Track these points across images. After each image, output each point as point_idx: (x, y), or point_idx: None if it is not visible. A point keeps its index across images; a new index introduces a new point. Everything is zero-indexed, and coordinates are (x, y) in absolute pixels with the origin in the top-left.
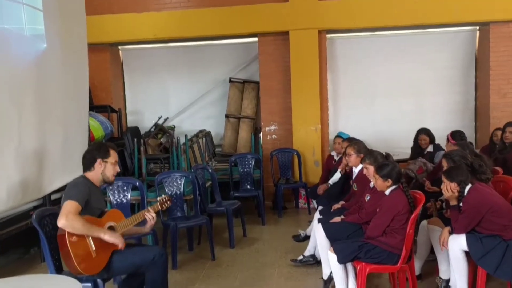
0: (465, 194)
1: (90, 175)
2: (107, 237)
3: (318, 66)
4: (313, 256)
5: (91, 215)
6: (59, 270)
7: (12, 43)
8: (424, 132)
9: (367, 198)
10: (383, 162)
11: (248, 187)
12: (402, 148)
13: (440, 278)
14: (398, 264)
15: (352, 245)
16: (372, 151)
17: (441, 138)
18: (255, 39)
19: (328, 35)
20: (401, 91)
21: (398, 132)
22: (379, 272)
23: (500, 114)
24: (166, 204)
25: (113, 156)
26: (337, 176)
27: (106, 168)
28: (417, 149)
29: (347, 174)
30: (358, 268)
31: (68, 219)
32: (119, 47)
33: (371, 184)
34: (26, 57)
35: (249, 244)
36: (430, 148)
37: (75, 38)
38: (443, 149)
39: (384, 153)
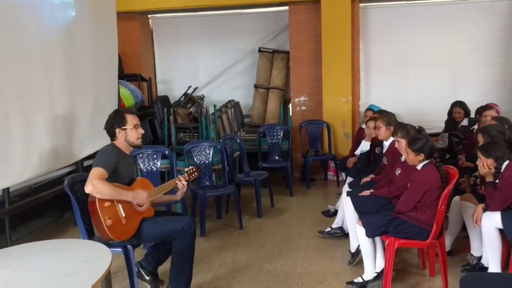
0: (502, 170)
1: (117, 143)
2: (134, 198)
3: (350, 35)
4: (340, 228)
5: (120, 183)
6: (90, 234)
7: (42, 11)
8: (458, 105)
9: (398, 172)
10: (415, 136)
11: (276, 158)
12: (435, 121)
13: (472, 255)
14: (428, 240)
15: (381, 219)
16: (405, 124)
17: None
18: (286, 7)
19: (361, 4)
20: (436, 63)
21: (431, 105)
22: (408, 247)
23: None
24: (193, 175)
25: (131, 121)
26: (366, 147)
27: (127, 134)
28: (451, 123)
29: (372, 144)
30: (386, 242)
31: (94, 185)
32: (149, 16)
33: (403, 158)
34: (55, 25)
35: (277, 215)
36: (464, 122)
37: (104, 6)
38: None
39: (417, 127)
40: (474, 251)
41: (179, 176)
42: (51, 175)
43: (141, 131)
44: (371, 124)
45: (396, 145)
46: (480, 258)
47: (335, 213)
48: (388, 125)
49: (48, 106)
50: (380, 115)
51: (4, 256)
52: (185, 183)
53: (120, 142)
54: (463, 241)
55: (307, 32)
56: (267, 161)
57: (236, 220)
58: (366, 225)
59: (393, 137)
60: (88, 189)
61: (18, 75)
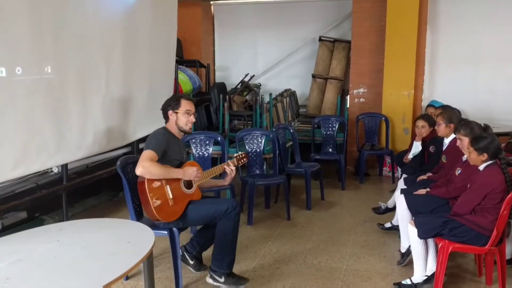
0: None
1: (169, 126)
2: (184, 175)
3: (416, 26)
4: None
5: (169, 165)
6: (139, 215)
7: None
8: None
9: (458, 172)
10: (480, 134)
11: (330, 150)
12: (506, 120)
13: None
14: (486, 246)
15: (436, 220)
16: (469, 121)
17: None
18: None
19: None
20: (510, 57)
21: (502, 102)
22: (463, 251)
23: None
24: (242, 160)
25: (184, 106)
26: (418, 148)
27: (178, 118)
28: None
29: (424, 143)
30: (440, 245)
31: (144, 166)
32: (211, 2)
33: (464, 157)
34: (115, 7)
35: (326, 208)
36: None
37: None
38: None
39: (482, 124)
40: None
41: (228, 161)
42: (107, 155)
43: (193, 119)
44: (420, 123)
45: (458, 143)
46: None
47: (386, 210)
48: (449, 122)
49: (105, 87)
50: (442, 110)
51: (56, 230)
52: (234, 168)
53: (171, 125)
54: None
55: (371, 21)
56: (319, 153)
57: (284, 211)
58: (419, 225)
59: (455, 134)
60: (138, 170)
61: (78, 56)
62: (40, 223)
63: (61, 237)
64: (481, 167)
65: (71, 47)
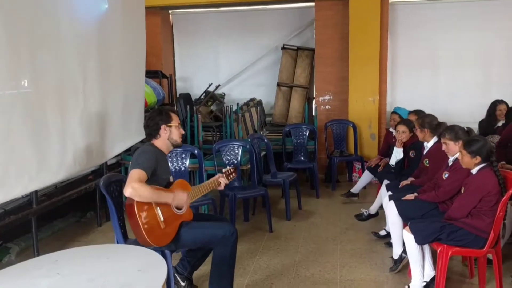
0: None
1: (158, 143)
2: (174, 200)
3: (379, 33)
4: None
5: (158, 185)
6: (124, 237)
7: (77, 2)
8: (504, 102)
9: (445, 176)
10: (472, 137)
11: (302, 158)
12: (465, 123)
13: None
14: (484, 249)
15: (433, 226)
16: (453, 125)
17: None
18: (312, 3)
19: (390, 0)
20: (467, 62)
21: (461, 106)
22: (461, 255)
23: None
24: (231, 176)
25: (175, 119)
26: (399, 155)
27: (172, 132)
28: (489, 123)
29: (404, 149)
30: (439, 250)
31: (134, 188)
32: (170, 11)
33: (450, 161)
34: (88, 16)
35: (306, 217)
36: (500, 123)
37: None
38: None
39: (465, 128)
40: None
41: (218, 175)
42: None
43: (183, 131)
44: (401, 128)
45: (444, 147)
46: None
47: (369, 216)
48: (422, 127)
49: (82, 102)
50: (417, 115)
51: (51, 262)
52: (227, 181)
53: (162, 140)
54: (510, 248)
55: (333, 29)
56: (292, 162)
57: (264, 222)
58: (415, 231)
59: (441, 138)
60: (127, 191)
61: (54, 69)
62: (6, 251)
63: (61, 269)
64: (474, 170)
65: (46, 59)
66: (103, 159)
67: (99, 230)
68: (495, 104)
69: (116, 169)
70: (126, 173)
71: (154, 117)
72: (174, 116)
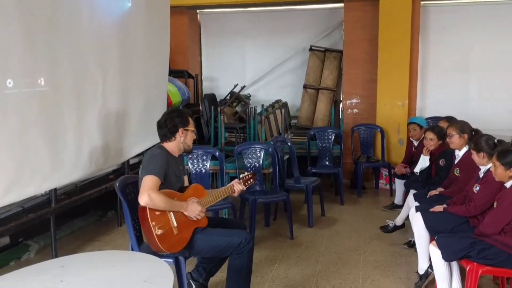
0: None
1: (170, 145)
2: (189, 212)
3: (409, 35)
4: None
5: (170, 188)
6: (139, 240)
7: (97, 1)
8: None
9: (476, 189)
10: (507, 148)
11: (327, 163)
12: (498, 130)
13: None
14: None
15: (462, 242)
16: (483, 134)
17: None
18: (341, 4)
19: (422, 2)
20: (501, 66)
21: (494, 112)
22: (492, 274)
23: None
24: (249, 181)
25: (192, 124)
26: (425, 163)
27: (187, 136)
28: None
29: (431, 157)
30: (468, 268)
31: (150, 197)
32: (198, 11)
33: (481, 173)
34: (111, 15)
35: (329, 225)
36: None
37: None
38: None
39: (496, 140)
40: None
41: (235, 181)
42: (96, 173)
43: (195, 136)
44: (429, 135)
45: (474, 157)
46: None
47: (394, 228)
48: (462, 133)
49: (100, 101)
50: (449, 122)
51: (57, 268)
52: (244, 187)
53: (175, 143)
54: None
55: (362, 31)
56: (316, 166)
57: (285, 228)
58: (442, 247)
59: (471, 150)
60: (143, 200)
61: (73, 67)
62: (25, 249)
63: (65, 276)
64: (508, 184)
65: (65, 57)
66: (121, 159)
67: (119, 230)
68: None
69: (138, 169)
70: None
71: (173, 119)
72: (191, 120)
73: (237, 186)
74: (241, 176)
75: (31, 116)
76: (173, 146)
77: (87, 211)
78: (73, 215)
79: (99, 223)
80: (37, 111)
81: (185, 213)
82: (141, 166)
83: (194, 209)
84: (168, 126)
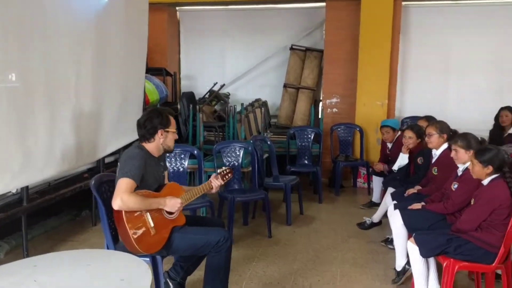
0: None
1: (149, 146)
2: (166, 205)
3: (390, 35)
4: None
5: (147, 189)
6: (115, 239)
7: None
8: (507, 108)
9: (454, 186)
10: (485, 146)
11: (306, 162)
12: (475, 130)
13: None
14: (493, 264)
15: (439, 238)
16: (467, 133)
17: None
18: (322, 4)
19: (404, 3)
20: (480, 67)
21: (472, 112)
22: (469, 270)
23: None
24: (227, 176)
25: (173, 124)
26: (404, 160)
27: (168, 137)
28: (497, 131)
29: (410, 155)
30: (445, 264)
31: (122, 200)
32: (177, 8)
33: (459, 171)
34: (87, 9)
35: (307, 223)
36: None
37: None
38: None
39: (479, 138)
40: None
41: (212, 177)
42: (70, 172)
43: (176, 136)
44: (408, 133)
45: (453, 154)
46: None
47: (371, 225)
48: (442, 133)
49: (74, 99)
50: (428, 121)
51: (30, 267)
52: (222, 182)
53: (154, 144)
54: None
55: (344, 31)
56: (295, 165)
57: (263, 227)
58: (420, 243)
59: (451, 144)
60: (116, 204)
61: (46, 64)
62: None
63: (38, 276)
64: (486, 181)
65: (37, 53)
66: (95, 157)
67: (93, 230)
68: (500, 111)
69: (114, 167)
70: None
71: (153, 119)
72: (172, 120)
73: (215, 182)
74: (218, 171)
75: (0, 111)
76: (152, 147)
77: (61, 210)
78: (46, 215)
79: (73, 223)
80: (6, 108)
81: (166, 208)
82: (118, 165)
83: (173, 203)
84: (147, 127)
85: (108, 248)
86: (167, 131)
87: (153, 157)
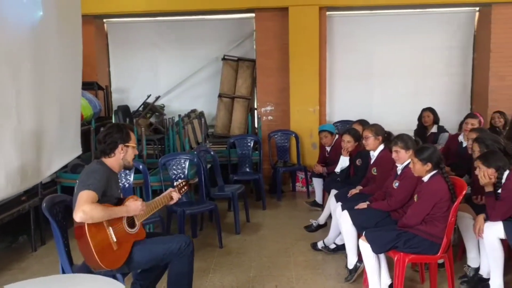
0: (503, 180)
1: (109, 161)
2: (129, 211)
3: (318, 44)
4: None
5: (108, 203)
6: (70, 262)
7: (8, 8)
8: (428, 109)
9: (396, 184)
10: (422, 145)
11: (247, 170)
12: (399, 131)
13: (469, 266)
14: (438, 254)
15: (389, 234)
16: (402, 135)
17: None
18: (251, 14)
19: (328, 12)
20: (400, 72)
21: (395, 115)
22: (418, 262)
23: (499, 97)
24: (183, 189)
25: (133, 139)
26: (345, 163)
27: (128, 153)
28: (420, 130)
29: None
30: (395, 258)
31: (85, 211)
32: (104, 20)
33: (398, 170)
34: (22, 24)
35: (255, 230)
36: (434, 129)
37: (70, 7)
38: (447, 131)
39: (414, 138)
40: (471, 262)
41: (170, 190)
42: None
43: (137, 151)
44: (346, 138)
45: (394, 155)
46: (477, 269)
47: (318, 227)
48: (377, 135)
49: (15, 117)
50: (363, 125)
51: None
52: (179, 195)
53: (115, 160)
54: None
55: (274, 40)
56: (238, 174)
57: (213, 238)
58: (371, 241)
59: (393, 146)
60: (78, 216)
61: None
62: None
63: None
64: (426, 178)
65: None
66: (39, 178)
67: (34, 256)
68: (422, 111)
69: (52, 188)
70: (63, 192)
71: (113, 134)
72: (133, 135)
73: (175, 194)
74: (175, 184)
75: None
76: (113, 162)
77: None
78: None
79: (10, 249)
80: None
81: (129, 213)
82: (77, 181)
83: (135, 206)
84: (107, 141)
85: (64, 272)
86: (127, 146)
87: (114, 173)
